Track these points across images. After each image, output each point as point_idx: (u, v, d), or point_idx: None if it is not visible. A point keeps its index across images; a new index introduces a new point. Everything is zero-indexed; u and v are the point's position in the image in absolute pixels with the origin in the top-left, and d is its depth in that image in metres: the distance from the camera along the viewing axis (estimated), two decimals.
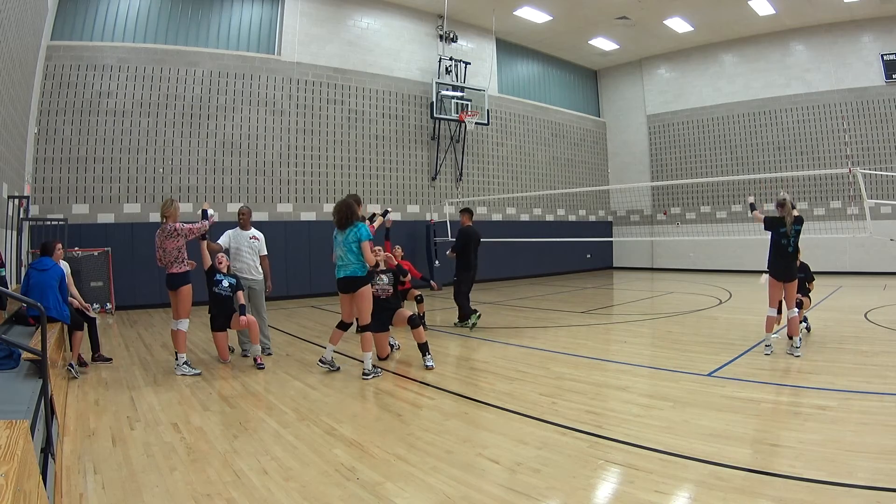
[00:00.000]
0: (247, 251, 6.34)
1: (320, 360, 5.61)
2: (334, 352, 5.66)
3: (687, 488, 2.85)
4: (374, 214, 6.23)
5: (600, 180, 19.45)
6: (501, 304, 10.97)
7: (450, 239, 12.12)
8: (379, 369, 5.49)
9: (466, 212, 8.43)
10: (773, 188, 16.12)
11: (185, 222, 5.61)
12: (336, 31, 13.10)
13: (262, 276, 6.47)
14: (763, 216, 6.00)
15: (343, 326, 5.60)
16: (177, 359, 5.55)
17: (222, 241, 6.31)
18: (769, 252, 5.93)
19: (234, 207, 10.60)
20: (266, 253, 6.56)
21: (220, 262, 5.97)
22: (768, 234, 5.98)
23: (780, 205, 5.82)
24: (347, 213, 5.38)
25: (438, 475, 3.06)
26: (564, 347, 6.58)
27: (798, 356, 5.59)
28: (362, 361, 5.39)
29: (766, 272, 6.03)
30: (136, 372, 5.58)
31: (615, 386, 4.91)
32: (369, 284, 5.50)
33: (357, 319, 5.59)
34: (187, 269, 5.55)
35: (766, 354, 5.70)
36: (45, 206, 9.74)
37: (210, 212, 5.78)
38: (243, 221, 6.43)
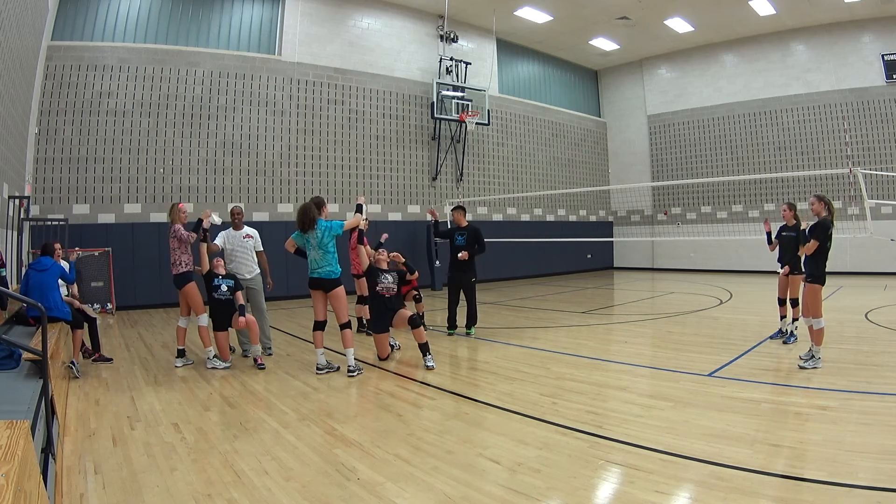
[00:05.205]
0: (241, 251, 6.35)
1: (317, 369, 5.49)
2: (332, 351, 5.65)
3: (687, 488, 2.85)
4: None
5: (601, 180, 19.44)
6: (502, 304, 10.97)
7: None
8: (362, 366, 5.58)
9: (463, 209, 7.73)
10: (773, 188, 16.17)
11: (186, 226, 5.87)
12: (336, 32, 13.10)
13: (259, 274, 6.47)
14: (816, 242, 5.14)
15: (320, 326, 5.54)
16: (207, 353, 5.84)
17: (217, 241, 6.32)
18: (819, 262, 5.19)
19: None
20: (262, 249, 6.54)
21: (218, 267, 6.00)
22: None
23: (821, 199, 5.15)
24: (310, 214, 5.42)
25: (439, 475, 3.06)
26: (565, 348, 6.57)
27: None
28: (353, 359, 5.45)
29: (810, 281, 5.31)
30: (137, 372, 5.58)
31: (616, 386, 4.91)
32: (342, 286, 5.53)
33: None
34: (185, 269, 5.78)
35: (819, 367, 5.12)
36: (46, 206, 9.75)
37: (207, 220, 5.97)
38: (236, 222, 6.44)
